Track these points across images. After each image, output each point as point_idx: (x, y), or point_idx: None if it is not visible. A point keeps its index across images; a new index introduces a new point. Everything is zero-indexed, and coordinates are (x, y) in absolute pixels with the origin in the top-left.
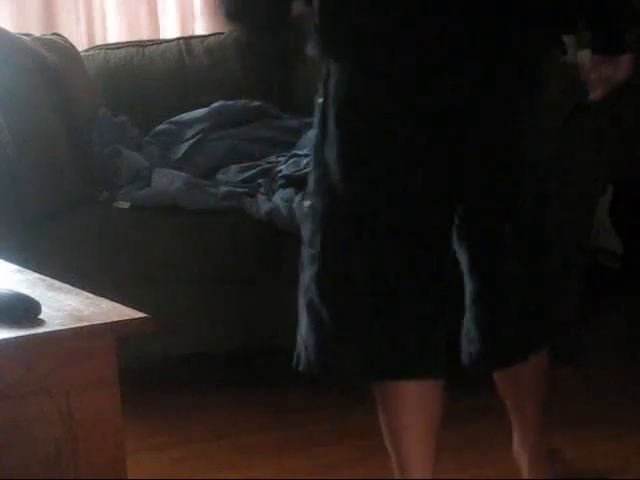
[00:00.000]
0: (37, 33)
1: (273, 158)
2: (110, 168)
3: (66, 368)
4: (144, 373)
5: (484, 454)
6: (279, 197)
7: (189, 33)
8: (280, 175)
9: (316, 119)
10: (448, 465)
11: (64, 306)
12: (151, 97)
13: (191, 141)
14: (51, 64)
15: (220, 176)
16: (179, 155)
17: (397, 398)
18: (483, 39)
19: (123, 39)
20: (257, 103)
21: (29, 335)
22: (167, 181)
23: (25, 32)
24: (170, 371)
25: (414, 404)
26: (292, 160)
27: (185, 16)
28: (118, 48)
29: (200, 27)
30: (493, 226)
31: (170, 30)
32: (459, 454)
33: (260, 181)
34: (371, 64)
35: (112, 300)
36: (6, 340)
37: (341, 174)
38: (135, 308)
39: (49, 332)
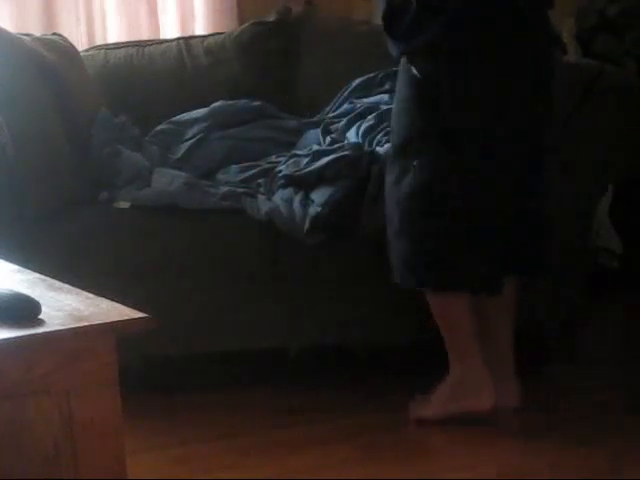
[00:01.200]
0: (37, 33)
1: (273, 158)
2: (110, 168)
3: (66, 368)
4: (144, 373)
5: (484, 454)
6: (279, 197)
7: (189, 33)
8: (280, 175)
9: (415, 87)
10: (448, 465)
11: (64, 306)
12: (151, 97)
13: (191, 141)
14: (51, 64)
15: (220, 176)
16: (179, 155)
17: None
18: None
19: (123, 39)
20: (257, 103)
21: (29, 335)
22: (167, 181)
23: (25, 32)
24: (170, 371)
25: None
26: (292, 160)
27: (185, 16)
28: (118, 48)
29: (200, 27)
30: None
31: (170, 30)
32: (459, 454)
33: (260, 181)
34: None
35: (112, 300)
36: (6, 340)
37: (454, 116)
38: (135, 308)
39: (49, 332)
